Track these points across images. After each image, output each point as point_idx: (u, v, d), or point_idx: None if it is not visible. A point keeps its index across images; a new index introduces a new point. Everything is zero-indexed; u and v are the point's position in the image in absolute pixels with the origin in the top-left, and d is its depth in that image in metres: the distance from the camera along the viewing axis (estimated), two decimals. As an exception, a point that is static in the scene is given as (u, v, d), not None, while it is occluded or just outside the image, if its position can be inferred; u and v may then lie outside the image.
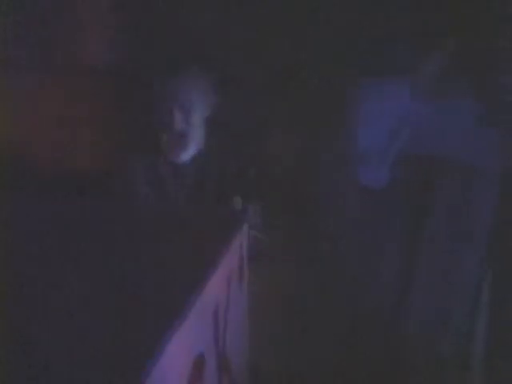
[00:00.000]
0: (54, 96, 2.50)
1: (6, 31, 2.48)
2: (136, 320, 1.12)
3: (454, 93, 2.91)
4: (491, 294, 3.26)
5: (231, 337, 1.43)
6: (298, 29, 2.74)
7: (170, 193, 2.36)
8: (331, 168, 2.82)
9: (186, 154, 2.31)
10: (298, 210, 2.82)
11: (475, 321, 3.26)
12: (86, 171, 2.47)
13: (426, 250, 3.18)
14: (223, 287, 1.38)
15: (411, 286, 3.21)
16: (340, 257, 2.96)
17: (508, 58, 2.82)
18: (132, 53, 2.55)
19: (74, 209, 1.65)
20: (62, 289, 1.23)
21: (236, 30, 2.59)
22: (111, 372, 0.98)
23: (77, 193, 2.08)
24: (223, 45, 2.55)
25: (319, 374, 2.80)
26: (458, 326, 3.23)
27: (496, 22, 2.86)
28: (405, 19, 2.83)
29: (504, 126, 2.88)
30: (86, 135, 2.51)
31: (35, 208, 1.63)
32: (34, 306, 1.17)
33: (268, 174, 2.69)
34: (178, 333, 1.08)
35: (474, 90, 2.83)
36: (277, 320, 2.62)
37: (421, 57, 2.90)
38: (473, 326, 3.24)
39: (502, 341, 3.17)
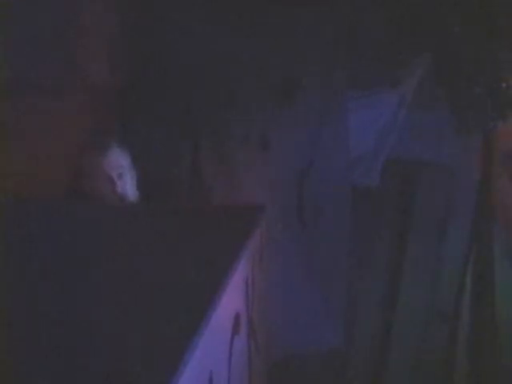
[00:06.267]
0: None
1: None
2: (190, 289, 1.49)
3: (435, 104, 3.29)
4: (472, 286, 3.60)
5: (256, 303, 1.84)
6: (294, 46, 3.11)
7: None
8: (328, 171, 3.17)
9: None
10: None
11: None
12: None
13: (412, 244, 3.52)
14: (249, 265, 1.79)
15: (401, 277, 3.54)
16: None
17: (480, 72, 3.19)
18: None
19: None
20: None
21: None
22: (175, 324, 1.34)
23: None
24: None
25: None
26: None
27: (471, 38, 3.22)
28: (391, 39, 3.19)
29: (477, 132, 3.27)
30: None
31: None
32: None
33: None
34: (224, 296, 1.47)
35: (451, 101, 3.20)
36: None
37: (404, 71, 3.27)
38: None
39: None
